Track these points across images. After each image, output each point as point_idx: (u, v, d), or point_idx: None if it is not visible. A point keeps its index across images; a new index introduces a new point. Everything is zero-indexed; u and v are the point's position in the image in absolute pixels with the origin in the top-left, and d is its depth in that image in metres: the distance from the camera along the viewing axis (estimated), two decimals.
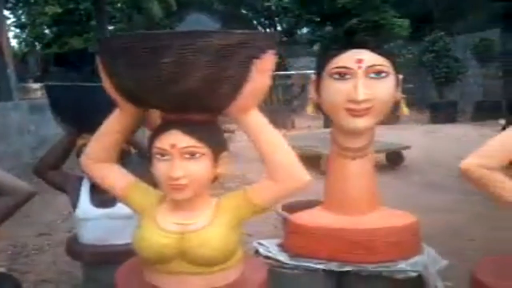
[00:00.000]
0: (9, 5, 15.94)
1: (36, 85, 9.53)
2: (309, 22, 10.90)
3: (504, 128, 2.58)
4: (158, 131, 1.31)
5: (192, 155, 1.28)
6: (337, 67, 1.82)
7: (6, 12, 17.33)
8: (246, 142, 5.80)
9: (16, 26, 18.01)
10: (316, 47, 9.88)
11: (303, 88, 9.64)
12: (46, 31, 16.30)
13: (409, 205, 3.68)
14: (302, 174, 1.33)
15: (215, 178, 1.39)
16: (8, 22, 17.93)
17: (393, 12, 10.11)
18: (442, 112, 9.59)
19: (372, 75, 1.79)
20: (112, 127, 1.40)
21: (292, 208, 2.43)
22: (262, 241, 2.11)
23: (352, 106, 1.79)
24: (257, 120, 1.32)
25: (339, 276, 1.91)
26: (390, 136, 7.41)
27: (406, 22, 9.95)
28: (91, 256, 2.02)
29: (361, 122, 1.82)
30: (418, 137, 7.45)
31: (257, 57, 1.22)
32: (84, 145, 1.62)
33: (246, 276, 1.44)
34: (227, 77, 1.20)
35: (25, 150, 6.23)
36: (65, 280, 2.87)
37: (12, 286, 1.74)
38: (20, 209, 1.70)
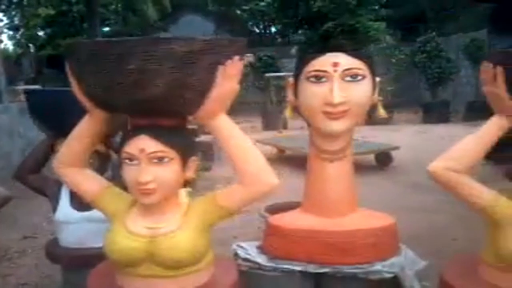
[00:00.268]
0: (2, 7, 15.91)
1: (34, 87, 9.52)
2: (286, 25, 10.89)
3: None
4: (127, 136, 1.32)
5: (161, 159, 1.29)
6: (313, 71, 1.83)
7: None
8: None
9: (9, 28, 17.97)
10: (293, 50, 9.90)
11: None
12: (40, 33, 16.27)
13: (394, 205, 3.73)
14: (271, 178, 1.34)
15: (185, 182, 1.40)
16: (1, 24, 17.93)
17: (369, 15, 10.11)
18: (435, 112, 9.62)
19: (348, 78, 1.80)
20: (82, 132, 1.41)
21: (276, 210, 2.45)
22: (241, 244, 2.12)
23: (328, 109, 1.80)
24: (226, 125, 1.34)
25: (317, 278, 1.92)
26: (381, 136, 7.45)
27: (382, 26, 9.97)
28: (70, 260, 2.02)
29: (337, 125, 1.83)
30: (408, 138, 7.48)
31: (222, 63, 1.23)
32: None
33: (217, 278, 1.46)
34: (191, 83, 1.22)
35: (15, 152, 6.23)
36: (47, 283, 2.87)
37: None
38: None
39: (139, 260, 1.34)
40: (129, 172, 1.31)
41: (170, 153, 1.30)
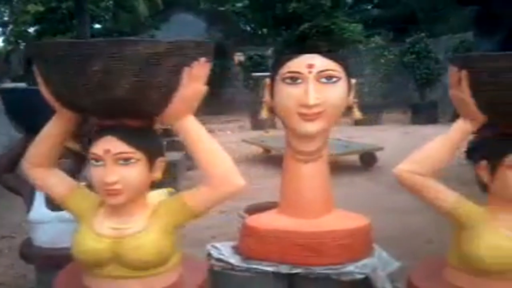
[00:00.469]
0: None
1: (13, 85, 9.42)
2: (263, 26, 10.92)
3: None
4: (94, 137, 1.32)
5: (127, 160, 1.29)
6: (289, 72, 1.84)
7: None
8: (225, 144, 5.79)
9: None
10: (269, 52, 9.89)
11: None
12: (29, 29, 16.13)
13: (376, 206, 3.74)
14: (237, 180, 1.35)
15: (153, 183, 1.40)
16: None
17: (346, 17, 10.16)
18: (423, 113, 9.66)
19: (323, 80, 1.82)
20: (50, 132, 1.41)
21: (255, 210, 2.46)
22: (216, 244, 2.12)
23: (303, 110, 1.81)
24: (193, 126, 1.34)
25: (290, 279, 1.93)
26: (368, 137, 7.47)
27: (358, 27, 10.01)
28: (44, 260, 2.01)
29: (312, 126, 1.84)
30: (395, 138, 7.51)
31: (187, 65, 1.24)
32: None
33: (185, 279, 1.46)
34: (156, 85, 1.23)
35: None
36: (21, 284, 2.85)
37: None
38: None
39: (105, 261, 1.34)
40: (96, 173, 1.31)
41: (137, 154, 1.30)
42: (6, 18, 17.70)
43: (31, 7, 14.15)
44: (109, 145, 1.28)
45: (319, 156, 1.96)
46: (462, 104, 1.31)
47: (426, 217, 3.53)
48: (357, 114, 1.99)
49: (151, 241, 1.33)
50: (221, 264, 2.00)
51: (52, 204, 2.01)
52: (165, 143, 4.54)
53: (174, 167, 4.25)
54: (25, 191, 2.06)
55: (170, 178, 4.51)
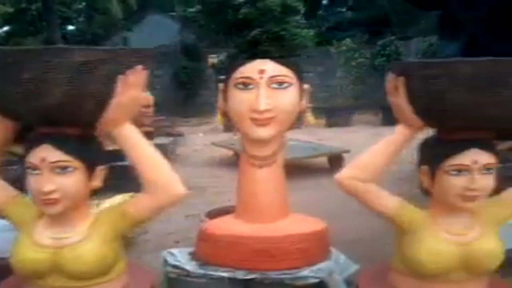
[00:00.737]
0: None
1: None
2: (215, 32, 10.93)
3: None
4: (31, 145, 1.30)
5: (64, 169, 1.27)
6: (240, 77, 1.85)
7: None
8: (196, 146, 5.73)
9: None
10: (222, 57, 9.89)
11: None
12: None
13: (342, 208, 3.74)
14: (177, 188, 1.34)
15: (93, 191, 1.38)
16: None
17: (296, 22, 10.23)
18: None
19: (275, 85, 1.82)
20: None
21: (216, 214, 2.45)
22: (172, 250, 2.11)
23: (255, 115, 1.82)
24: (130, 134, 1.33)
25: (246, 285, 1.92)
26: (338, 138, 7.53)
27: (310, 33, 10.10)
28: None
29: (264, 132, 1.85)
30: (364, 140, 7.56)
31: (122, 73, 1.23)
32: None
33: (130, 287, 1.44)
34: (89, 93, 1.22)
35: None
36: None
37: None
38: None
39: (45, 271, 1.32)
40: (32, 182, 1.28)
41: (74, 162, 1.28)
42: None
43: (0, 8, 13.90)
44: (45, 154, 1.26)
45: (273, 161, 1.96)
46: (400, 110, 1.32)
47: None
48: (310, 119, 2.00)
49: (91, 250, 1.31)
50: (177, 270, 1.99)
51: None
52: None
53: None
54: None
55: (136, 183, 4.45)
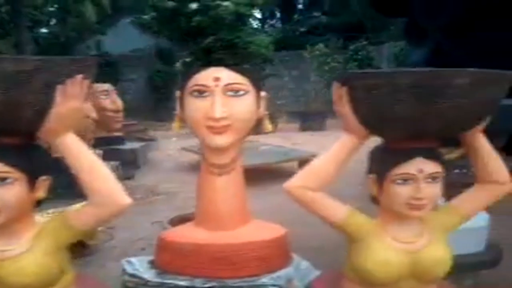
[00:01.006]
0: None
1: None
2: (170, 39, 10.92)
3: None
4: None
5: (3, 180, 1.24)
6: (196, 85, 1.85)
7: None
8: (169, 151, 5.65)
9: None
10: (179, 64, 9.86)
11: None
12: None
13: (310, 214, 3.75)
14: (121, 199, 1.32)
15: (37, 202, 1.35)
16: None
17: (251, 30, 10.28)
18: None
19: (230, 93, 1.82)
20: None
21: (180, 221, 2.43)
22: (131, 259, 2.09)
23: (211, 123, 1.81)
24: (72, 144, 1.31)
25: None
26: (311, 143, 7.56)
27: (265, 41, 10.13)
28: None
29: (221, 139, 1.84)
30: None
31: (60, 83, 1.21)
32: None
33: None
34: (27, 102, 1.20)
35: None
36: None
37: None
38: None
39: None
40: None
41: (14, 173, 1.25)
42: None
43: None
44: None
45: (232, 168, 1.96)
46: (345, 119, 1.34)
47: None
48: (268, 127, 2.00)
49: (33, 262, 1.28)
50: (135, 280, 1.97)
51: None
52: (102, 152, 4.46)
53: None
54: None
55: None
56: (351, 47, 10.13)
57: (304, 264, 2.09)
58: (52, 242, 1.33)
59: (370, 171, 1.39)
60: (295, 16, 20.26)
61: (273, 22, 21.58)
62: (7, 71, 1.12)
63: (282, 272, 1.95)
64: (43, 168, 1.35)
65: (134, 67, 13.93)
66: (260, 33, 14.66)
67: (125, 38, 15.49)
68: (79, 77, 1.24)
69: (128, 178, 4.94)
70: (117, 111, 5.17)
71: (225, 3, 9.29)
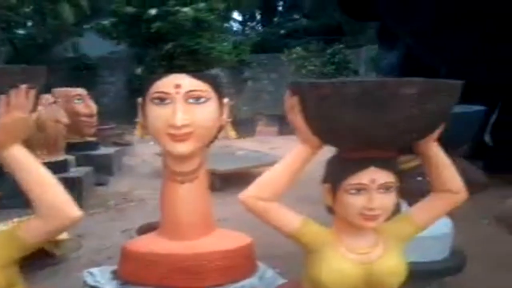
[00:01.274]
0: None
1: None
2: (131, 45, 10.86)
3: None
4: None
5: None
6: (157, 92, 1.82)
7: None
8: (145, 156, 5.56)
9: None
10: (139, 70, 9.83)
11: None
12: None
13: None
14: (70, 212, 1.29)
15: None
16: None
17: (210, 36, 10.26)
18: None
19: (191, 100, 1.80)
20: None
21: (147, 230, 2.39)
22: (93, 270, 2.05)
23: (172, 131, 1.79)
24: (19, 156, 1.27)
25: None
26: (289, 147, 7.55)
27: (228, 47, 10.12)
28: None
29: (182, 147, 1.82)
30: None
31: (3, 93, 1.17)
32: None
33: None
34: None
35: None
36: None
37: None
38: None
39: None
40: None
41: None
42: None
43: None
44: None
45: (195, 176, 1.93)
46: (297, 129, 1.32)
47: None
48: (231, 133, 1.98)
49: None
50: None
51: None
52: (74, 157, 4.37)
53: (78, 184, 4.07)
54: None
55: (76, 196, 4.30)
56: (328, 51, 10.17)
57: (270, 272, 2.08)
58: (2, 256, 1.28)
59: (325, 180, 1.38)
60: (275, 19, 20.29)
61: (253, 24, 21.58)
62: None
63: (246, 282, 1.93)
64: None
65: (113, 69, 13.79)
66: (237, 36, 14.62)
67: (104, 40, 15.32)
68: (24, 86, 1.20)
69: (101, 184, 4.87)
70: (90, 116, 5.10)
71: (185, 9, 9.22)
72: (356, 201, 1.28)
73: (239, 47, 11.07)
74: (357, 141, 1.23)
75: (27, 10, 15.57)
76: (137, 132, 1.99)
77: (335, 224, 1.40)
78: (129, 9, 9.63)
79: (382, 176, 1.28)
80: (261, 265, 2.10)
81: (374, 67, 9.52)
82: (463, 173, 1.80)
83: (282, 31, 17.94)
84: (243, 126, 8.85)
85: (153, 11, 9.31)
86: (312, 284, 1.37)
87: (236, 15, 19.98)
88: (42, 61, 12.97)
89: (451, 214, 1.92)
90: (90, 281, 1.96)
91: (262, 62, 11.58)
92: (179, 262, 1.88)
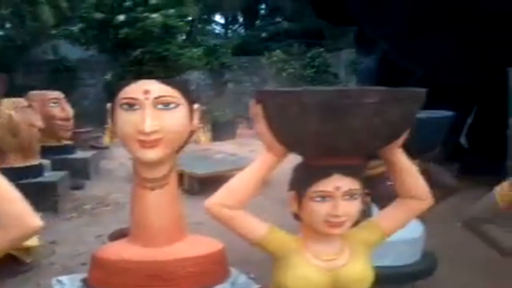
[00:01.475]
0: None
1: None
2: (100, 51, 10.81)
3: None
4: None
5: None
6: (125, 98, 1.81)
7: None
8: (122, 159, 5.47)
9: None
10: (108, 76, 9.79)
11: None
12: None
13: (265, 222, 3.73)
14: (30, 221, 1.26)
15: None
16: None
17: (180, 43, 10.23)
18: None
19: (160, 106, 1.79)
20: None
21: (120, 236, 2.36)
22: (62, 278, 2.02)
23: (141, 137, 1.77)
24: None
25: None
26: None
27: (197, 53, 10.12)
28: None
29: (152, 153, 1.80)
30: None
31: None
32: None
33: None
34: None
35: None
36: None
37: None
38: None
39: None
40: None
41: None
42: None
43: None
44: None
45: (165, 182, 1.92)
46: (262, 136, 1.32)
47: None
48: (202, 139, 1.97)
49: None
50: None
51: None
52: (49, 161, 4.30)
53: (53, 188, 4.02)
54: None
55: (51, 201, 4.26)
56: (308, 54, 10.20)
57: (242, 278, 2.07)
58: None
59: (291, 187, 1.37)
60: (258, 22, 20.29)
61: (235, 27, 21.54)
62: None
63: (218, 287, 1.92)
64: None
65: (93, 72, 13.64)
66: (219, 39, 14.53)
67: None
68: None
69: (77, 188, 4.81)
70: (66, 119, 5.03)
71: (154, 15, 9.16)
72: (321, 209, 1.28)
73: (219, 50, 11.03)
74: (320, 149, 1.23)
75: (4, 12, 15.36)
76: (105, 137, 1.96)
77: (302, 231, 1.39)
78: (98, 15, 9.53)
79: (347, 183, 1.28)
80: (233, 271, 2.09)
81: (354, 71, 9.58)
82: (432, 177, 1.82)
83: (264, 34, 17.94)
84: (223, 128, 8.82)
85: (121, 17, 9.24)
86: None
87: (218, 18, 19.94)
88: (21, 63, 12.78)
89: (423, 217, 1.94)
90: None
91: (243, 65, 11.57)
92: (151, 269, 1.87)
